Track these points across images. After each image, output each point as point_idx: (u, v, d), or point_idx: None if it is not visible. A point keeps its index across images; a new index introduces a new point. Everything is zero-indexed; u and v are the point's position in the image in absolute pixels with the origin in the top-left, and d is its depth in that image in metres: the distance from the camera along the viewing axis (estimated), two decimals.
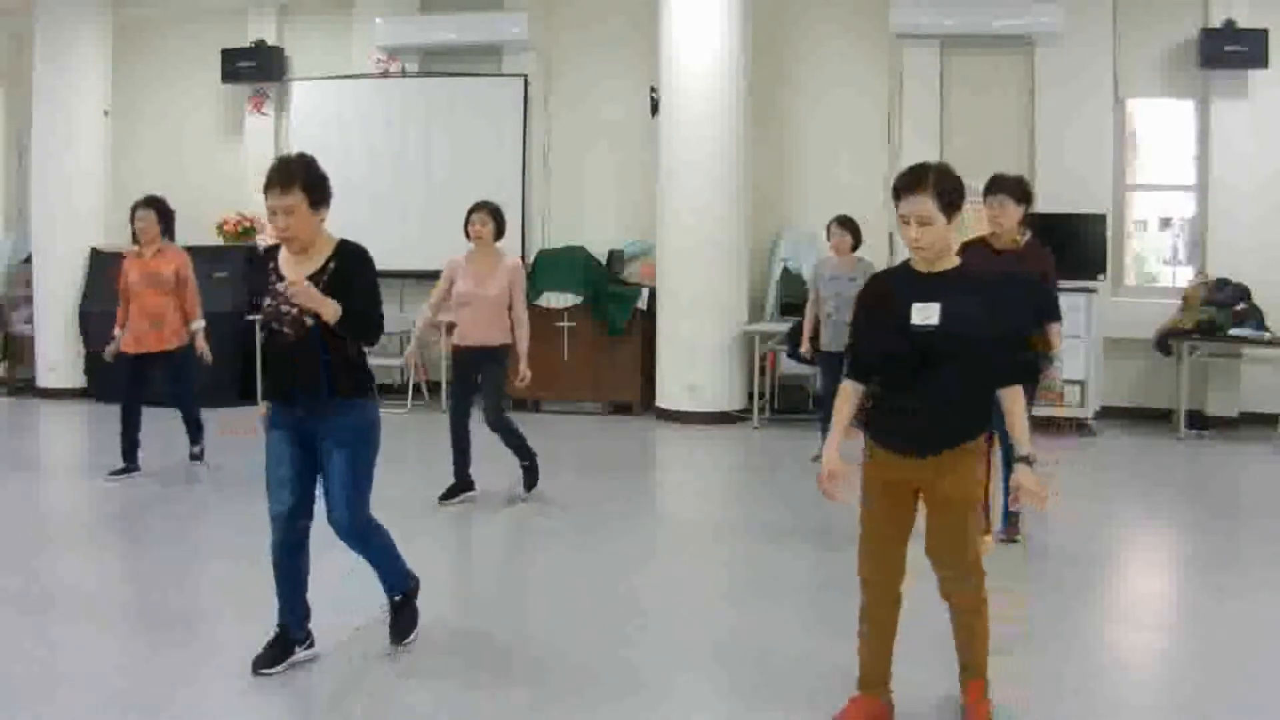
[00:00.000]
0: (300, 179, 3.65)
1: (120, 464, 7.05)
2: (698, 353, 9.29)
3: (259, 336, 4.29)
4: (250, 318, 7.48)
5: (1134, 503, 7.12)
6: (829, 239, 7.40)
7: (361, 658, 4.05)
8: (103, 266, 10.30)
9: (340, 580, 4.30)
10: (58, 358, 10.58)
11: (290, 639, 3.90)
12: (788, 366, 9.32)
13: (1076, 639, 4.35)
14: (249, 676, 3.78)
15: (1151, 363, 9.21)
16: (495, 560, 5.88)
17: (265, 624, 3.94)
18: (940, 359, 3.15)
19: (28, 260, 10.92)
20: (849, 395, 3.37)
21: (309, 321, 3.66)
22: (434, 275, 10.18)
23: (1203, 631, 4.55)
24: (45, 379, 10.67)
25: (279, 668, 3.82)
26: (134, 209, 7.04)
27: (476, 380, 6.35)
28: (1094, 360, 8.80)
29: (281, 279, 3.72)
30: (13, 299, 11.20)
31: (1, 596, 4.76)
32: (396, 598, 4.14)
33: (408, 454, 8.70)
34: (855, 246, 7.28)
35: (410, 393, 10.13)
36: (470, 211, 6.32)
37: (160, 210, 7.05)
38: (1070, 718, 3.63)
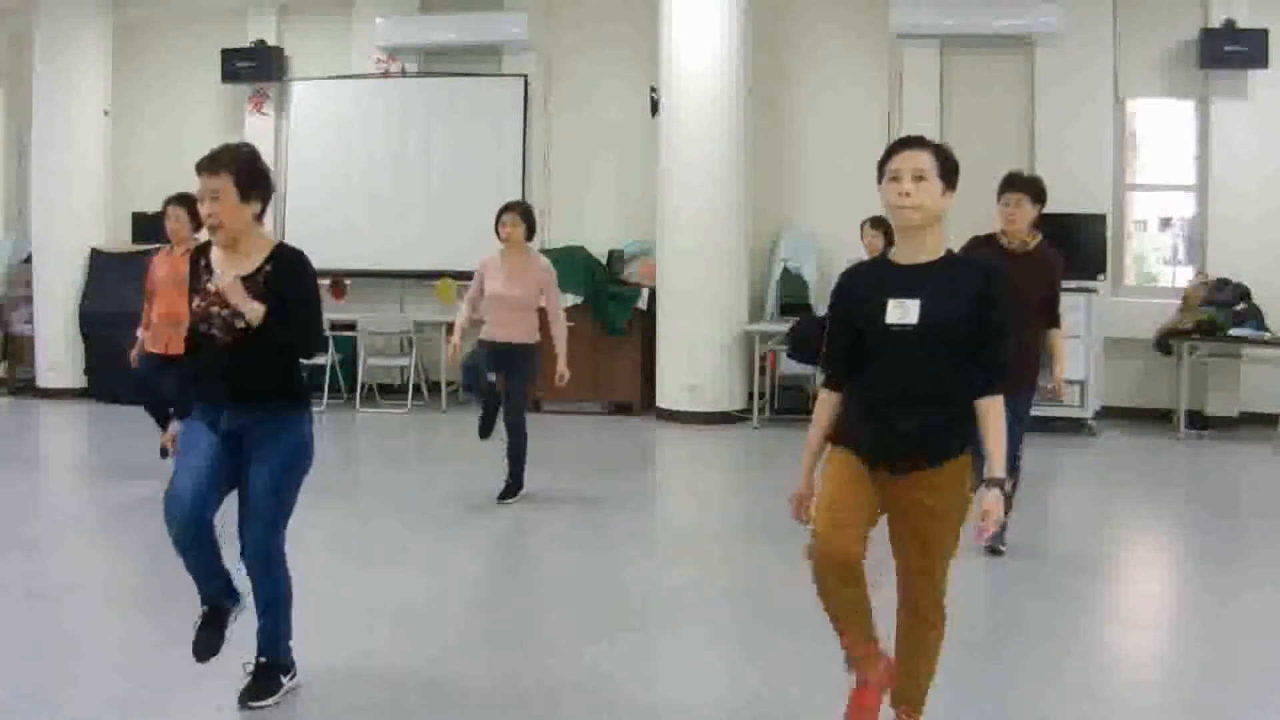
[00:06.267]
0: (229, 163, 3.39)
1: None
2: (698, 353, 9.28)
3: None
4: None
5: (1134, 503, 7.12)
6: (862, 239, 7.48)
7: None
8: (103, 266, 10.31)
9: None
10: (58, 358, 10.57)
11: (223, 609, 3.56)
12: (788, 366, 9.31)
13: (1076, 639, 4.35)
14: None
15: (1151, 363, 9.21)
16: (494, 560, 5.88)
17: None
18: (917, 362, 2.86)
19: (28, 260, 10.91)
20: (825, 404, 3.08)
21: (240, 324, 3.38)
22: (433, 275, 10.37)
23: (1203, 631, 4.55)
24: (45, 379, 10.66)
25: (221, 646, 3.54)
26: (165, 205, 6.89)
27: (501, 368, 6.37)
28: (1094, 360, 8.79)
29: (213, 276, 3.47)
30: (13, 299, 11.18)
31: (2, 597, 4.77)
32: (263, 659, 3.61)
33: (407, 454, 8.72)
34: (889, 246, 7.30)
35: (410, 393, 10.13)
36: (501, 212, 6.36)
37: (192, 209, 6.91)
38: (1070, 718, 3.63)
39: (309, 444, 3.58)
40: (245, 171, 3.43)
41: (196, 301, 3.49)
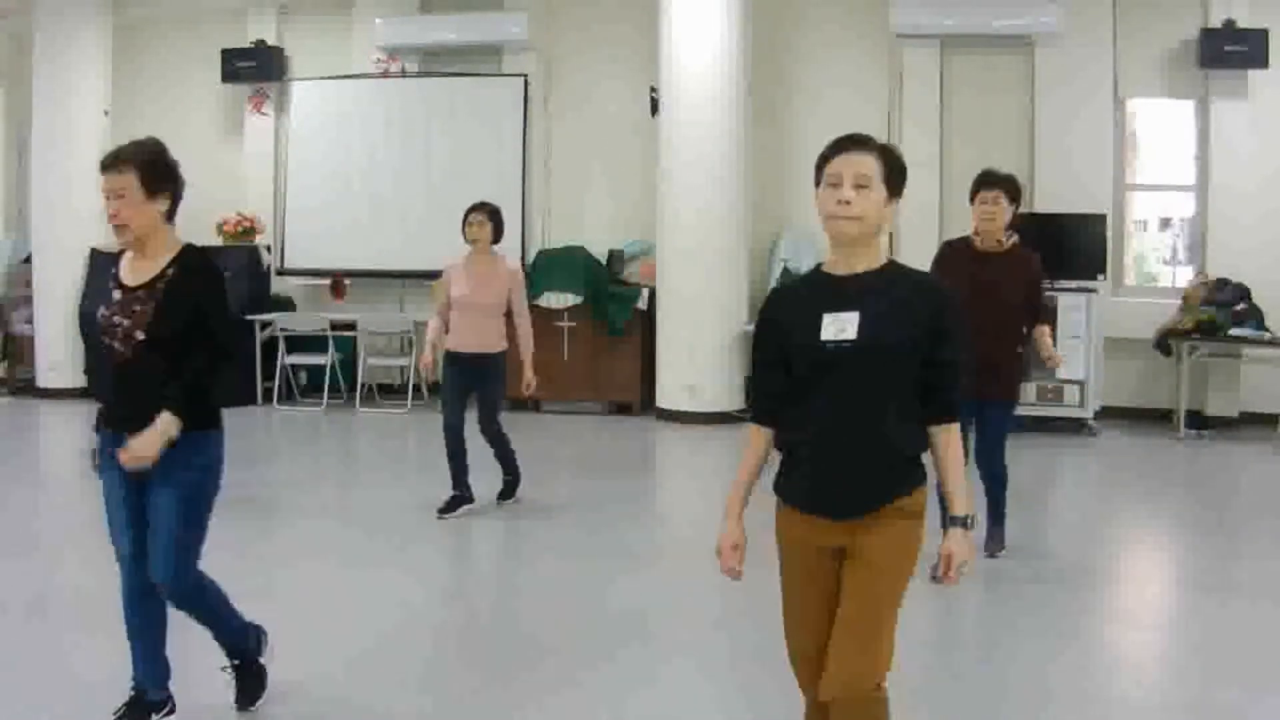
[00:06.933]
0: (132, 159, 3.22)
1: None
2: (698, 353, 9.28)
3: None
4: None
5: (1134, 503, 7.12)
6: None
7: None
8: (103, 266, 10.31)
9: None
10: (58, 358, 10.57)
11: (148, 702, 3.35)
12: None
13: (1076, 639, 4.35)
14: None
15: (1151, 363, 9.21)
16: (493, 562, 5.88)
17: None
18: (859, 385, 2.46)
19: (28, 260, 10.92)
20: (753, 442, 2.68)
21: (140, 336, 3.17)
22: (433, 275, 10.30)
23: (1203, 631, 4.55)
24: (45, 379, 10.66)
25: None
26: None
27: (470, 389, 6.16)
28: (1094, 360, 8.80)
29: (120, 285, 3.25)
30: (13, 299, 11.19)
31: (2, 597, 4.77)
32: (236, 661, 3.54)
33: (407, 454, 8.72)
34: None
35: (410, 393, 10.13)
36: (467, 212, 6.14)
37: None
38: (1070, 718, 3.63)
39: (217, 466, 3.34)
40: (150, 167, 3.25)
41: (101, 310, 3.25)
